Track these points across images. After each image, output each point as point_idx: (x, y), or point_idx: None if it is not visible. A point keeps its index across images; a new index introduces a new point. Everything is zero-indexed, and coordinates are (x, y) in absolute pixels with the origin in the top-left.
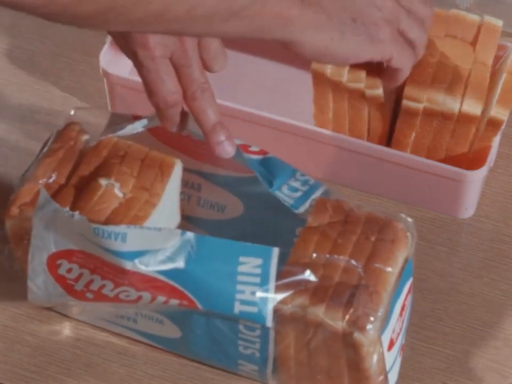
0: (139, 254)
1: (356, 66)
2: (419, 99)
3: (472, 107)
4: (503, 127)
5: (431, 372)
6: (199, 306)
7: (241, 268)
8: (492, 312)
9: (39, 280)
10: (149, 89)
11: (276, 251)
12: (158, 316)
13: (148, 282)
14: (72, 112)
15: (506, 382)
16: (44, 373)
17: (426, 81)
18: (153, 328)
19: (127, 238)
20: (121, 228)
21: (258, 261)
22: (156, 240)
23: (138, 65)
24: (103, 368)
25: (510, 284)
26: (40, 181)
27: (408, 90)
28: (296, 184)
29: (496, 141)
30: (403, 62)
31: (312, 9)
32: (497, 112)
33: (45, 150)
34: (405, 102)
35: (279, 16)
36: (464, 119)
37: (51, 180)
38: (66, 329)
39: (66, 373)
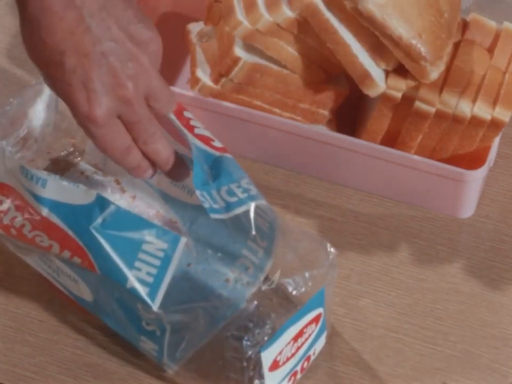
0: (55, 204)
1: None
2: (433, 102)
3: (483, 111)
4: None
5: (431, 371)
6: (97, 270)
7: (145, 247)
8: (492, 312)
9: None
10: (101, 148)
11: (182, 240)
12: (73, 275)
13: (58, 233)
14: None
15: (506, 382)
16: (44, 373)
17: (439, 84)
18: (71, 286)
19: (47, 185)
20: (43, 174)
21: (164, 245)
22: (73, 195)
23: (87, 133)
24: (103, 368)
25: (510, 284)
26: None
27: (422, 93)
28: (236, 190)
29: (496, 140)
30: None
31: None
32: (499, 113)
33: None
34: (418, 104)
35: None
36: (475, 122)
37: None
38: (66, 329)
39: (66, 373)
